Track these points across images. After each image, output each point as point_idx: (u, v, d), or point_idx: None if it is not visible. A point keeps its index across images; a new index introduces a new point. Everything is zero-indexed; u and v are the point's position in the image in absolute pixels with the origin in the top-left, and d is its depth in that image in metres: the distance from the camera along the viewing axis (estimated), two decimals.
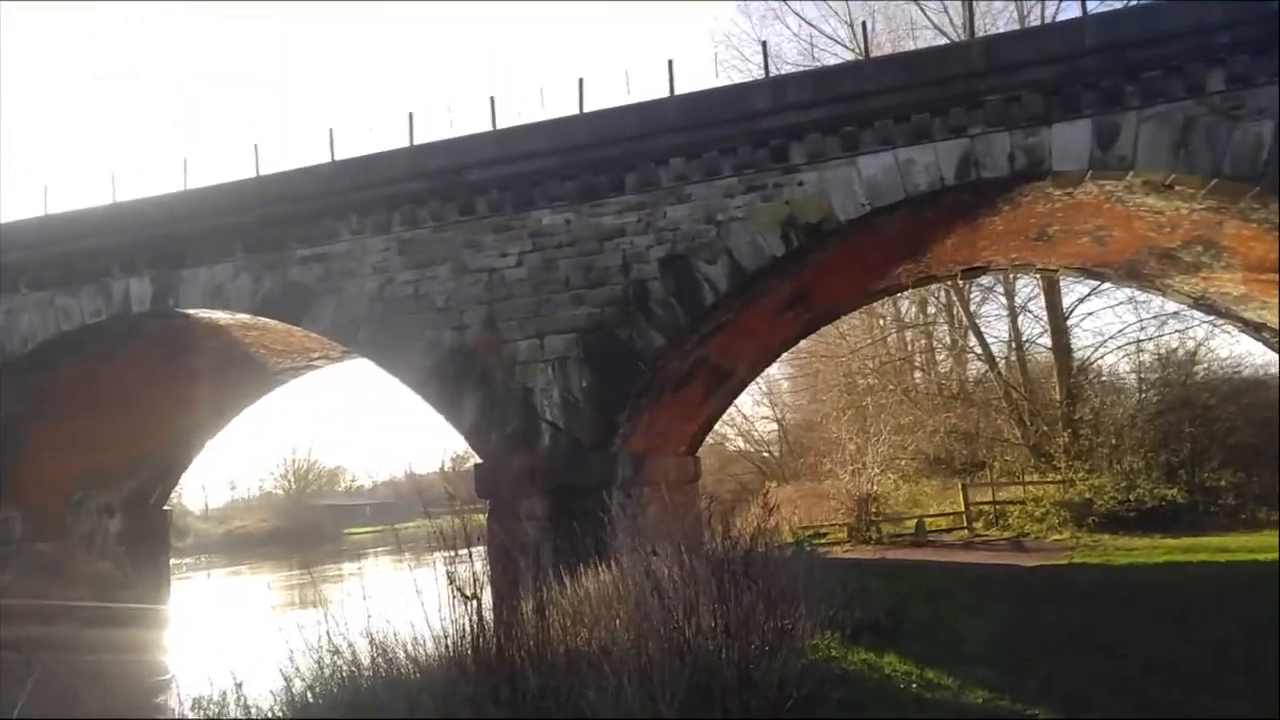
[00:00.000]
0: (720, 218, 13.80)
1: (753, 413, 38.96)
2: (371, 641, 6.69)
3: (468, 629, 6.29)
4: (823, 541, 21.94)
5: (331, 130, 16.19)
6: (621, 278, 14.12)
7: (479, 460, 14.64)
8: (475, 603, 6.36)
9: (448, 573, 6.51)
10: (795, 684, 6.40)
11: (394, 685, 5.99)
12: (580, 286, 14.29)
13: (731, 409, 36.84)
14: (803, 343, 27.02)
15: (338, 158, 15.87)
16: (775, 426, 39.24)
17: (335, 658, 6.70)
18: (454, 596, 6.42)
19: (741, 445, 39.36)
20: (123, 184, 17.47)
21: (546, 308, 14.39)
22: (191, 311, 16.81)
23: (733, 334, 15.67)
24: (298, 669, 6.84)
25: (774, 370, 38.92)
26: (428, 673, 6.12)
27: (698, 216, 13.89)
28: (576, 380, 14.16)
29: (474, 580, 6.97)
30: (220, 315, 17.02)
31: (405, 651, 6.59)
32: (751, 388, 36.47)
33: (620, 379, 14.13)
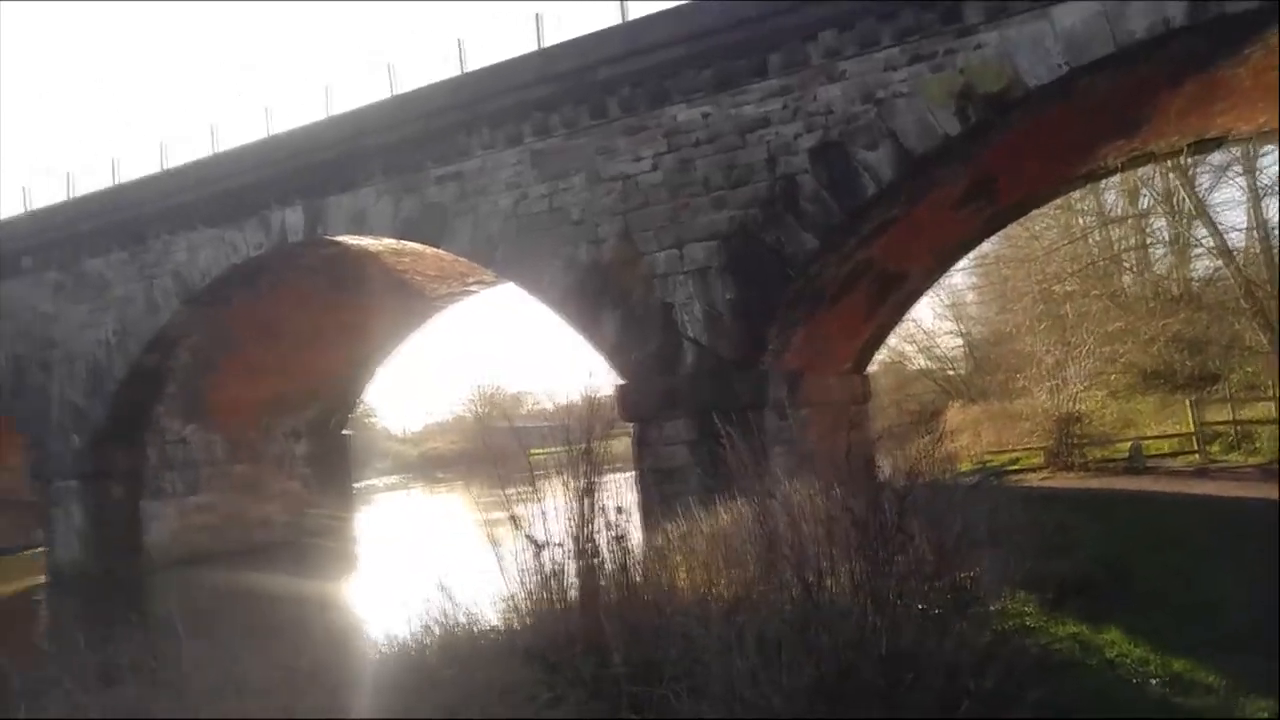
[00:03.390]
0: (880, 95, 11.96)
1: (935, 327, 36.11)
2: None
3: (541, 588, 5.40)
4: (1015, 468, 19.75)
5: (460, 41, 15.47)
6: (766, 174, 12.63)
7: (620, 382, 13.80)
8: (543, 552, 5.43)
9: (512, 516, 5.62)
10: (973, 673, 4.55)
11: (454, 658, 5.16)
12: (721, 187, 12.93)
13: (909, 322, 34.30)
14: (988, 246, 24.30)
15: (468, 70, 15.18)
16: (960, 341, 36.26)
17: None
18: (525, 547, 5.51)
19: (923, 363, 36.72)
20: (276, 116, 17.58)
21: (685, 214, 13.16)
22: (342, 239, 16.87)
23: (901, 233, 13.84)
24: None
25: (958, 279, 35.83)
26: (486, 644, 5.27)
27: (853, 96, 12.11)
28: (719, 292, 12.93)
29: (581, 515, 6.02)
30: (369, 242, 16.99)
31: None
32: (932, 299, 33.77)
33: (768, 289, 12.77)
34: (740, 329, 12.89)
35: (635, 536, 7.45)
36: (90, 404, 18.95)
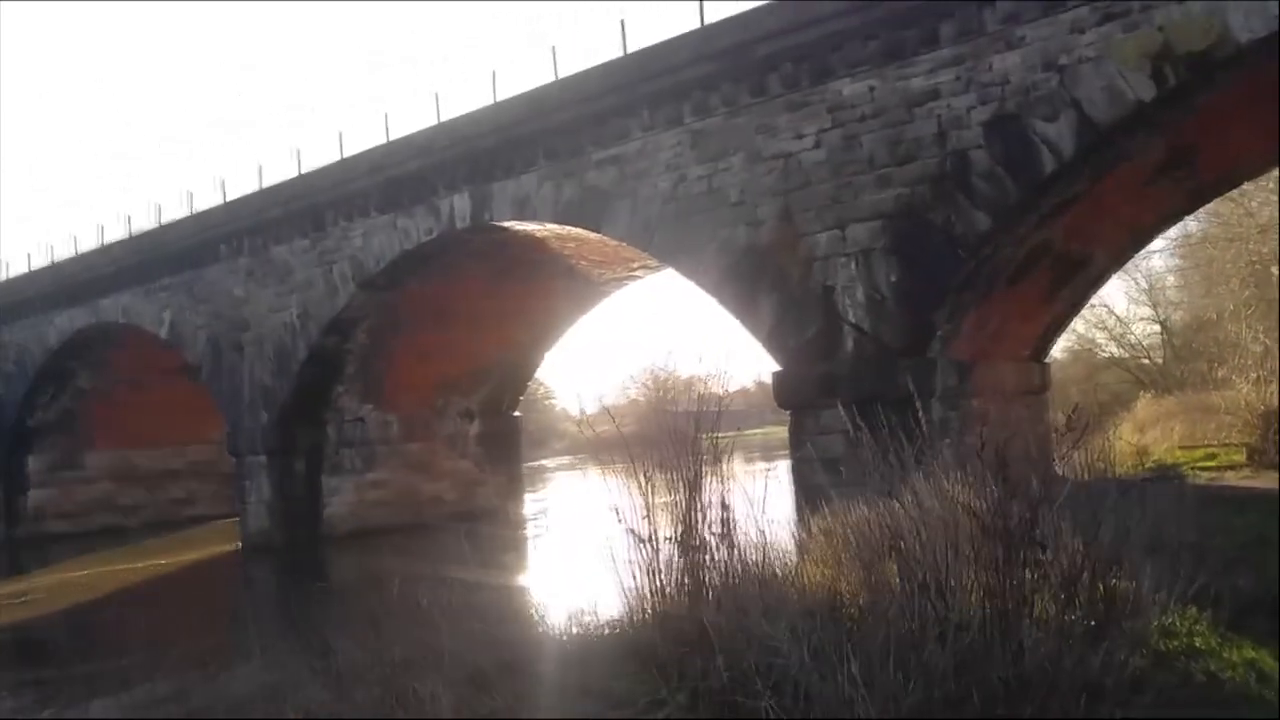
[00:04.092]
0: (1064, 61, 11.02)
1: (1128, 312, 33.46)
2: None
3: (651, 584, 5.25)
4: (1209, 464, 17.96)
5: (623, 22, 15.38)
6: (936, 149, 11.92)
7: (777, 368, 13.46)
8: (653, 548, 5.27)
9: (615, 507, 5.49)
10: (1118, 700, 4.06)
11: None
12: (886, 164, 12.32)
13: (1099, 307, 31.88)
14: (1192, 224, 22.20)
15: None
16: (1157, 328, 33.39)
17: None
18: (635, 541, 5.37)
19: (1115, 351, 34.11)
20: (446, 103, 18.15)
21: (847, 193, 12.64)
22: (508, 225, 17.29)
23: (1084, 211, 12.77)
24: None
25: (1156, 262, 33.02)
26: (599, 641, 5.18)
27: (1033, 63, 11.22)
28: (883, 275, 12.35)
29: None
30: (533, 227, 17.33)
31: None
32: (1126, 281, 31.24)
33: (936, 271, 12.09)
34: (905, 314, 12.27)
35: (771, 531, 7.20)
36: (277, 383, 20.37)
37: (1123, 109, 10.70)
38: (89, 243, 25.48)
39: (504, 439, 24.86)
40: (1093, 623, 4.93)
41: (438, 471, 23.23)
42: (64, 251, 26.22)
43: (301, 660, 6.48)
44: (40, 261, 26.95)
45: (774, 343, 13.37)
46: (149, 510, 27.89)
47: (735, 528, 6.73)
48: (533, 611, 8.27)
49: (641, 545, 6.07)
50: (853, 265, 12.58)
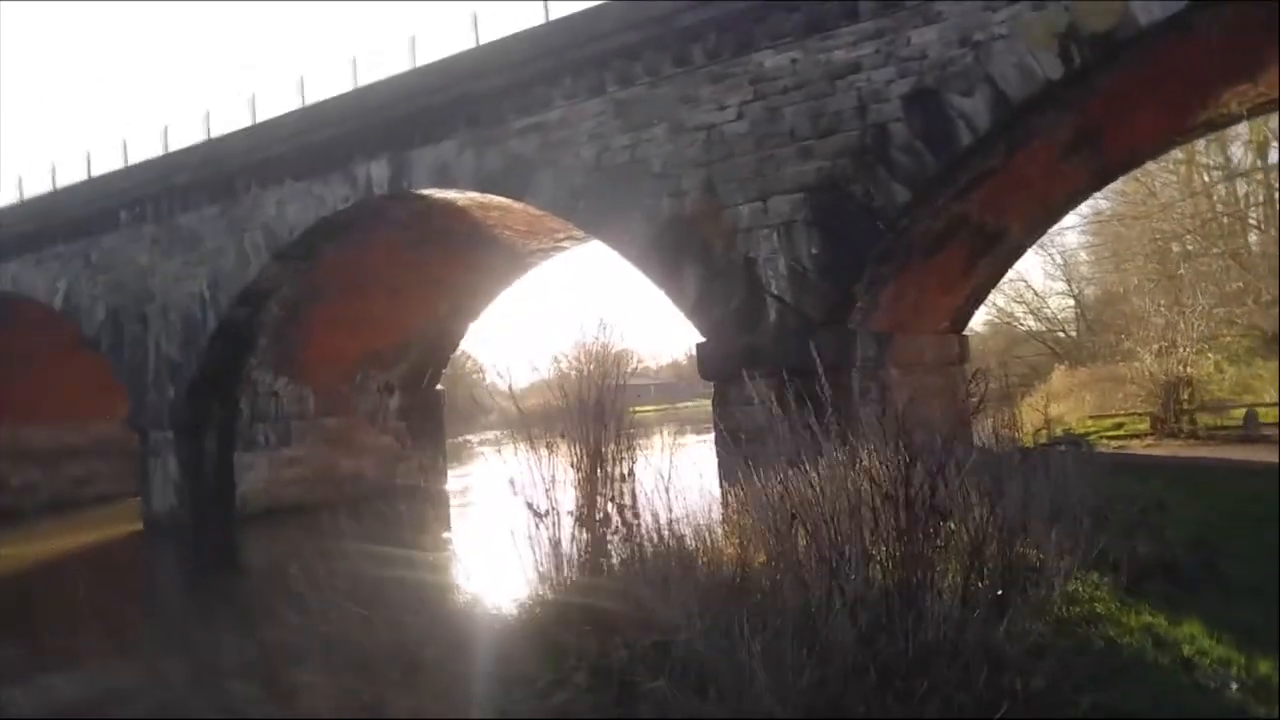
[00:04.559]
0: (978, 37, 11.18)
1: (1045, 287, 34.60)
2: None
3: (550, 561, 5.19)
4: (1117, 434, 18.72)
5: None
6: (856, 122, 12.00)
7: (701, 339, 13.47)
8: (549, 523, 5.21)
9: (511, 481, 5.42)
10: (1020, 669, 4.05)
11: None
12: (808, 137, 12.36)
13: (1018, 282, 32.86)
14: (1103, 202, 22.95)
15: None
16: (1071, 302, 34.59)
17: None
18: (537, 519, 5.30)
19: (1032, 324, 35.28)
20: (364, 70, 17.56)
21: (769, 165, 12.65)
22: (427, 193, 16.85)
23: (1000, 186, 13.05)
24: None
25: (1071, 238, 34.14)
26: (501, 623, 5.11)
27: (950, 39, 11.35)
28: (805, 247, 12.42)
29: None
30: (454, 195, 16.93)
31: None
32: (1040, 257, 32.15)
33: (856, 243, 12.21)
34: (826, 285, 12.38)
35: (687, 504, 7.18)
36: (185, 357, 19.58)
37: (1033, 87, 10.91)
38: None
39: (426, 413, 24.42)
40: (999, 591, 5.02)
41: (357, 447, 22.69)
42: None
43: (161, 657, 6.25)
44: None
45: (698, 314, 13.37)
46: (45, 490, 26.28)
47: (640, 501, 6.68)
48: (438, 592, 8.14)
49: (539, 521, 5.99)
50: (775, 237, 12.62)
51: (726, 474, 11.92)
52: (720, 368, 12.91)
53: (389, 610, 6.80)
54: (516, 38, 14.96)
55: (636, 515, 6.77)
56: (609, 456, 7.07)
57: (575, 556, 6.60)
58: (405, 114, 16.19)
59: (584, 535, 6.64)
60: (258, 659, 6.70)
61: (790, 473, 5.96)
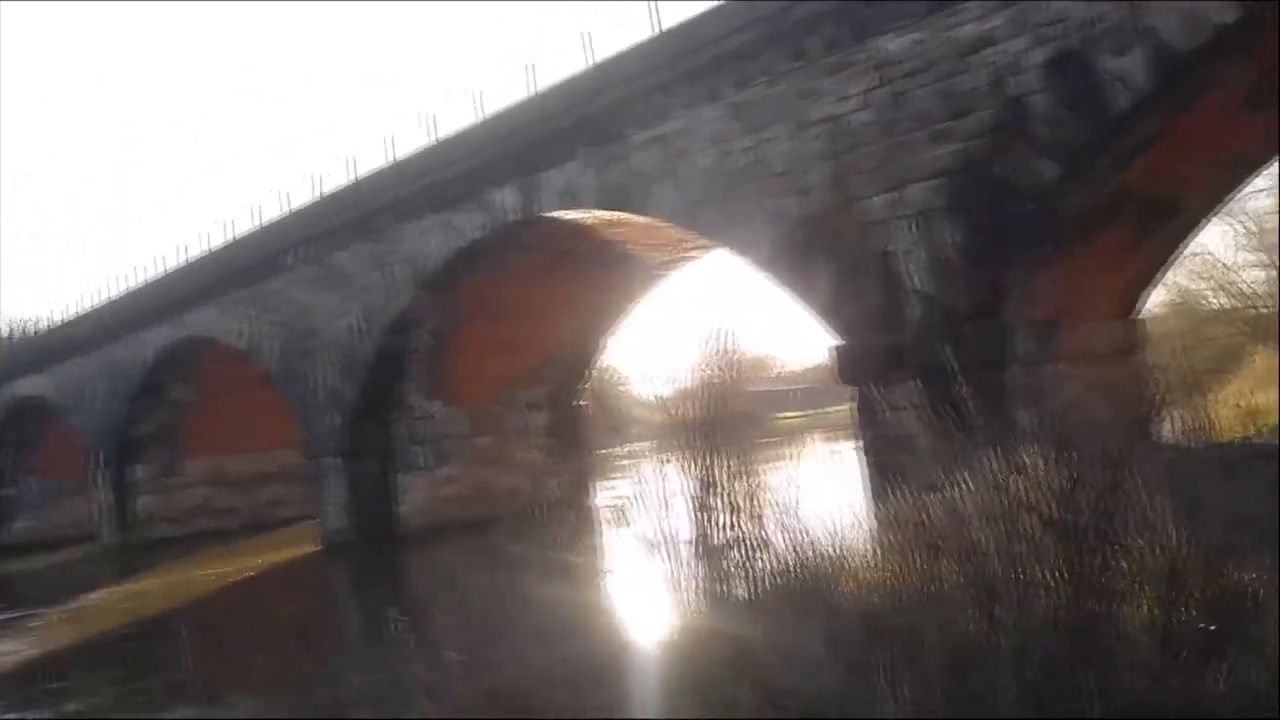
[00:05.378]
0: None
1: (1235, 259, 31.17)
2: None
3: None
4: None
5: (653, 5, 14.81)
6: (992, 99, 11.04)
7: (837, 342, 12.78)
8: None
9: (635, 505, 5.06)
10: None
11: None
12: (940, 119, 11.48)
13: (1202, 256, 29.70)
14: None
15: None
16: (1267, 274, 31.00)
17: None
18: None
19: (1222, 301, 31.85)
20: (489, 100, 17.96)
21: (901, 152, 11.84)
22: (556, 215, 16.98)
23: (1167, 150, 11.67)
24: None
25: (1263, 202, 30.65)
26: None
27: None
28: (946, 235, 11.54)
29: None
30: (580, 215, 16.99)
31: None
32: (1229, 226, 28.98)
33: (1004, 227, 11.23)
34: (972, 276, 11.46)
35: (831, 523, 6.64)
36: (346, 386, 20.61)
37: (1203, 34, 9.67)
38: (174, 263, 26.48)
39: (571, 428, 24.66)
40: (1208, 626, 4.12)
41: (508, 464, 23.12)
42: (153, 273, 27.38)
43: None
44: (135, 283, 28.17)
45: (832, 315, 12.72)
46: (244, 513, 28.96)
47: (767, 522, 6.21)
48: (579, 617, 7.95)
49: (657, 551, 5.67)
50: (912, 227, 11.80)
51: (876, 486, 11.26)
52: (859, 371, 12.19)
53: (515, 641, 6.70)
54: (629, 53, 14.86)
55: (763, 542, 6.34)
56: (720, 478, 6.66)
57: (696, 585, 6.23)
58: (530, 140, 16.38)
59: (701, 564, 6.26)
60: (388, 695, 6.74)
61: (938, 489, 5.35)
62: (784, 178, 12.97)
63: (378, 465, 20.79)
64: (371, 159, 20.34)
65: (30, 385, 33.02)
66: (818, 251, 12.63)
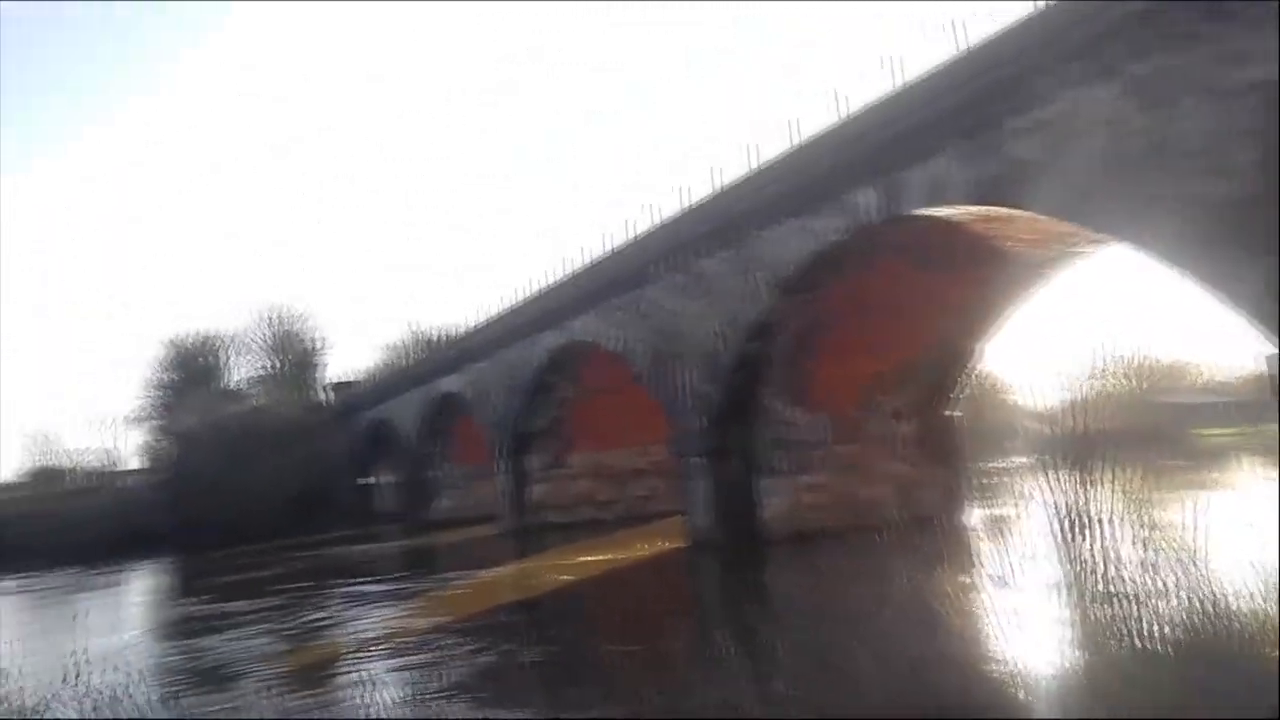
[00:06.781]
0: None
1: None
2: None
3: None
4: None
5: None
6: None
7: (1274, 350, 10.70)
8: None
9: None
10: None
11: None
12: None
13: None
14: None
15: None
16: None
17: None
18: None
19: None
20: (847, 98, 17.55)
21: None
22: (920, 212, 16.15)
23: None
24: None
25: None
26: None
27: None
28: None
29: None
30: (948, 212, 15.99)
31: None
32: None
33: None
34: None
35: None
36: (709, 389, 21.36)
37: None
38: (560, 274, 29.56)
39: (941, 438, 23.32)
40: None
41: (872, 474, 22.36)
42: (543, 283, 30.84)
43: None
44: (528, 293, 31.92)
45: (1268, 317, 10.66)
46: (620, 505, 31.74)
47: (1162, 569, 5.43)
48: (944, 651, 7.40)
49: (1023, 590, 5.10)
50: None
51: None
52: None
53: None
54: (1000, 36, 13.63)
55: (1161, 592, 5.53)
56: (1096, 513, 5.93)
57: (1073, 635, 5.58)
58: (891, 136, 15.76)
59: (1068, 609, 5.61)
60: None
61: None
62: (1198, 158, 11.12)
63: (741, 467, 21.30)
64: (737, 167, 20.71)
65: (450, 383, 38.55)
66: (1246, 241, 10.65)
